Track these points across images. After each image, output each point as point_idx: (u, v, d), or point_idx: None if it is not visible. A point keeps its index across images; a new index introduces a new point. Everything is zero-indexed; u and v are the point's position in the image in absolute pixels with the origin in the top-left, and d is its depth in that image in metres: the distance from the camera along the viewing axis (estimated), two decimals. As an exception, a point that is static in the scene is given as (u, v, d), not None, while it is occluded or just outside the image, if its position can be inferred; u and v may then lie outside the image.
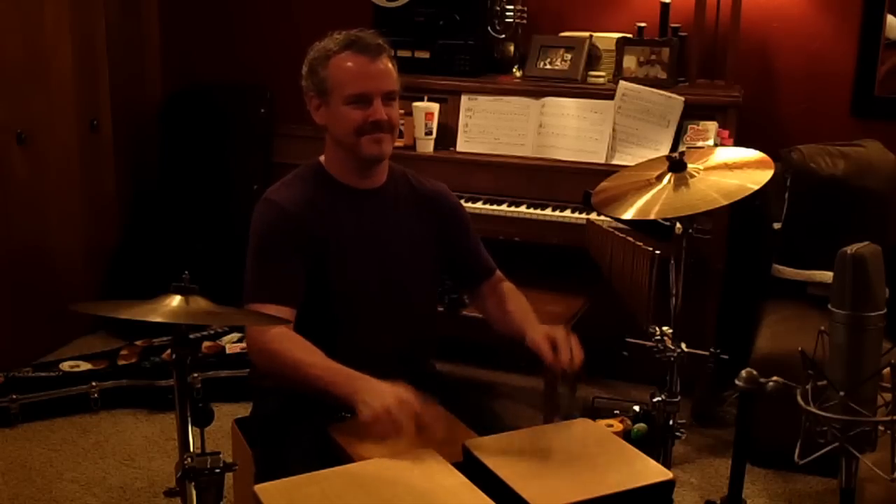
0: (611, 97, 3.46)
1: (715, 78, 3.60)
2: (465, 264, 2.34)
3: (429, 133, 3.56)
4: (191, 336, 1.70)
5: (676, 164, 2.24)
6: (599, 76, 3.58)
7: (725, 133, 3.29)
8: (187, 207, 4.29)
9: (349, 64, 2.10)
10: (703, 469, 3.13)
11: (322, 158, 2.24)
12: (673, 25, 3.55)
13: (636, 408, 2.31)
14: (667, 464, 2.27)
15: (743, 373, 1.63)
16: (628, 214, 2.18)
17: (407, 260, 2.22)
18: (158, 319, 1.59)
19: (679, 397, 2.33)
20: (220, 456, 1.65)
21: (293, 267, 2.08)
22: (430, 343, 2.37)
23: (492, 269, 2.35)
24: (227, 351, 3.59)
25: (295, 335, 2.02)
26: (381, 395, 1.81)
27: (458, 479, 1.69)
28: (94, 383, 3.45)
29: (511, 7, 3.72)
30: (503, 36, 3.75)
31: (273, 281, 2.07)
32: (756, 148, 2.38)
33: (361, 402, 1.81)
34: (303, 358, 1.97)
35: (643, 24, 3.57)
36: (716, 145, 3.22)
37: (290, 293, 2.06)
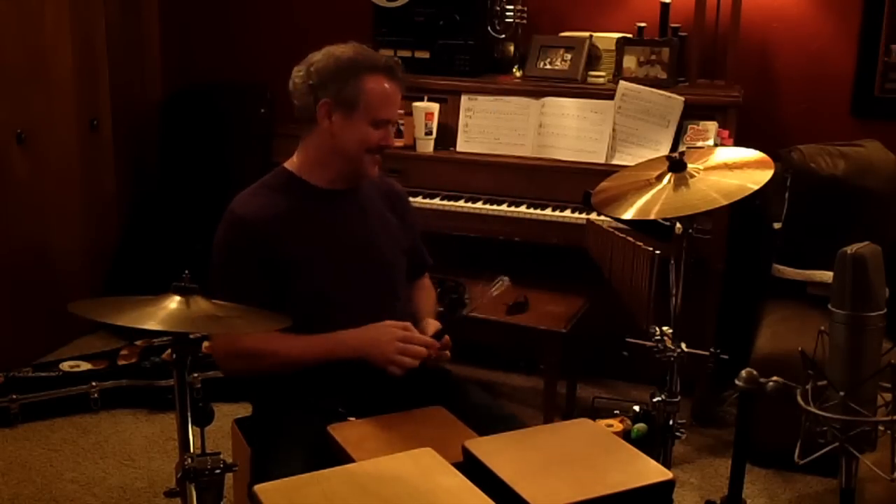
0: (611, 97, 3.46)
1: (715, 78, 3.60)
2: (410, 260, 2.37)
3: (429, 133, 3.55)
4: (191, 336, 1.70)
5: (676, 164, 2.23)
6: (599, 76, 3.58)
7: (725, 133, 3.29)
8: (187, 207, 4.28)
9: (386, 89, 2.13)
10: (703, 469, 3.13)
11: (289, 164, 2.23)
12: (673, 25, 3.55)
13: (636, 408, 2.31)
14: (667, 464, 2.27)
15: (743, 373, 1.63)
16: (628, 214, 2.18)
17: (387, 255, 2.25)
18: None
19: (679, 397, 2.33)
20: (221, 456, 1.65)
21: (258, 283, 2.08)
22: None
23: (428, 265, 2.47)
24: (227, 351, 3.58)
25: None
26: (383, 343, 2.05)
27: (458, 479, 1.69)
28: (94, 383, 3.45)
29: (511, 7, 3.72)
30: (503, 36, 3.75)
31: (239, 296, 1.89)
32: (756, 148, 2.37)
33: (374, 358, 2.04)
34: (280, 346, 2.07)
35: (643, 24, 3.57)
36: (716, 145, 3.22)
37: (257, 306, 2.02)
